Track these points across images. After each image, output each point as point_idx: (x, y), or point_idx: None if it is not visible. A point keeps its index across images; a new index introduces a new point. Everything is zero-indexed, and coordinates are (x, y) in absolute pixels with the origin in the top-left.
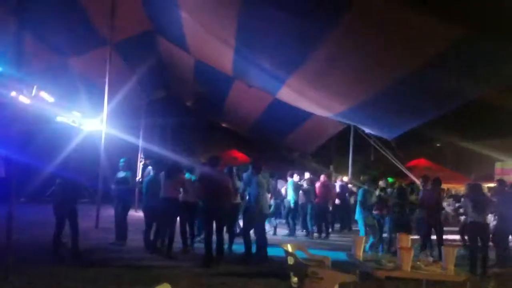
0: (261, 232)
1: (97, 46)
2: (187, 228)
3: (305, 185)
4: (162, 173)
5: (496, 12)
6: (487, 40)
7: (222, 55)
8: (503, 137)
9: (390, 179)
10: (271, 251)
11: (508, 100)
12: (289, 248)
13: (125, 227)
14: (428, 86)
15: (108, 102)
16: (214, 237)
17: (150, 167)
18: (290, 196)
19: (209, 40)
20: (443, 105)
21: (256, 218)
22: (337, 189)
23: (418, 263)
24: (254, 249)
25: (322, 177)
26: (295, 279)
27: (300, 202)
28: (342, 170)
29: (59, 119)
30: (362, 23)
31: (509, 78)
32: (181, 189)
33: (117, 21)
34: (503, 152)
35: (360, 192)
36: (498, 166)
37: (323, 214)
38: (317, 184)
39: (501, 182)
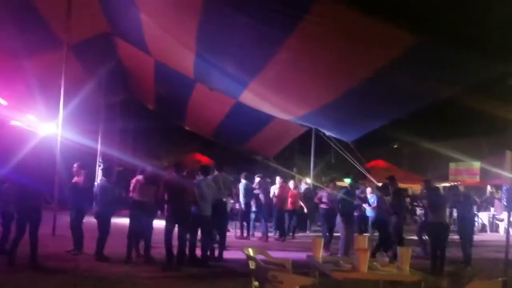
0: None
1: (53, 48)
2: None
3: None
4: (141, 178)
5: (450, 19)
6: (443, 45)
7: (183, 57)
8: (457, 137)
9: (350, 181)
10: (233, 255)
11: (463, 101)
12: (250, 252)
13: (80, 234)
14: (386, 90)
15: (65, 106)
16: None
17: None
18: (241, 199)
19: (170, 43)
20: (401, 108)
21: (198, 220)
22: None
23: (374, 263)
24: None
25: (278, 180)
26: (256, 283)
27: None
28: (305, 172)
29: (13, 123)
30: (320, 28)
31: (464, 81)
32: None
33: (74, 22)
34: (458, 153)
35: (343, 195)
36: (452, 166)
37: (281, 216)
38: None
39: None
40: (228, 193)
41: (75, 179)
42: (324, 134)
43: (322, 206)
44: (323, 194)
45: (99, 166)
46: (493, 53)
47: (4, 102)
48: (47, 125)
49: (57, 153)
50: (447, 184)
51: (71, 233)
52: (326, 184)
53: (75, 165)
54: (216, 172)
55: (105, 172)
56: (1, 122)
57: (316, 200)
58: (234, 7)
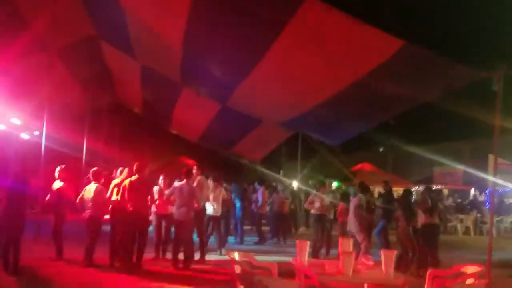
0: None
1: (38, 51)
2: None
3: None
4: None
5: (435, 26)
6: (427, 50)
7: (170, 61)
8: (440, 141)
9: (337, 184)
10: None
11: (446, 106)
12: (236, 256)
13: (60, 241)
14: (372, 95)
15: (50, 109)
16: None
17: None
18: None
19: (156, 46)
20: (386, 113)
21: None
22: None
23: (359, 267)
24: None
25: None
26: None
27: None
28: (292, 175)
29: None
30: (306, 32)
31: (448, 86)
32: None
33: (59, 26)
34: (441, 156)
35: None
36: (436, 170)
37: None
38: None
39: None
40: (207, 197)
41: (59, 184)
42: (310, 137)
43: (313, 211)
44: (315, 199)
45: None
46: (476, 58)
47: None
48: (32, 129)
49: (42, 158)
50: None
51: (53, 239)
52: (317, 188)
53: (58, 169)
54: (199, 176)
55: (95, 176)
56: None
57: (306, 206)
58: (220, 12)
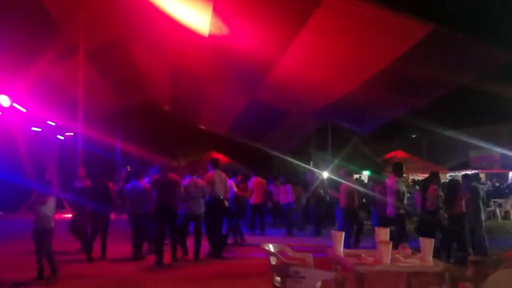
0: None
1: (69, 54)
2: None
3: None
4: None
5: (465, 7)
6: (457, 33)
7: (198, 56)
8: (475, 125)
9: (369, 172)
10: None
11: (480, 89)
12: (271, 248)
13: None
14: (402, 81)
15: (83, 110)
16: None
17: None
18: None
19: (185, 43)
20: (418, 98)
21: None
22: None
23: (397, 256)
24: None
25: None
26: (278, 279)
27: None
28: (322, 166)
29: (34, 129)
30: (333, 21)
31: (480, 68)
32: None
33: (88, 27)
34: (477, 140)
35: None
36: (472, 154)
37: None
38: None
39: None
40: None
41: (83, 182)
42: (341, 127)
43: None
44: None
45: (127, 168)
46: (509, 39)
47: (22, 109)
48: (67, 130)
49: (79, 158)
50: (469, 172)
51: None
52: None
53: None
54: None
55: (135, 174)
56: (22, 129)
57: (334, 195)
58: (245, 2)
